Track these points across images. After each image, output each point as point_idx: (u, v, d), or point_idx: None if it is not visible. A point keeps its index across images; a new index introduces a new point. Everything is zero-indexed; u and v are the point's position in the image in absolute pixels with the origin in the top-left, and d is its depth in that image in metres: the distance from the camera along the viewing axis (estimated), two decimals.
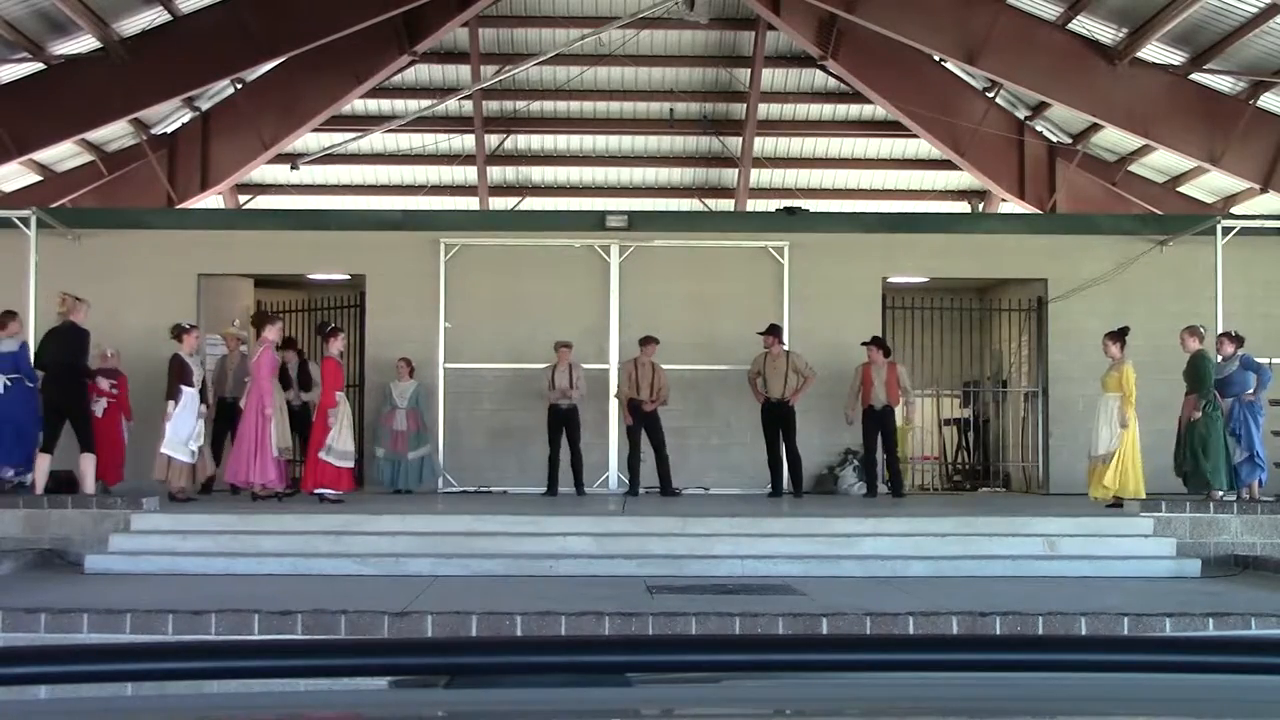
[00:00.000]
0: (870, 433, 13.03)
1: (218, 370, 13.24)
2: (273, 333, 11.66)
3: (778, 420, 12.99)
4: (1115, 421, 11.36)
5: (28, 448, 10.98)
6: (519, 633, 6.85)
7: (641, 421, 13.09)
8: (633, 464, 13.11)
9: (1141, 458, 11.39)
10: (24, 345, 11.17)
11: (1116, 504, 11.18)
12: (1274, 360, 12.74)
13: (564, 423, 13.13)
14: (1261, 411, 11.79)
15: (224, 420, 12.69)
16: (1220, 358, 11.75)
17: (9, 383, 10.86)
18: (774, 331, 13.12)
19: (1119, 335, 11.65)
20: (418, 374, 13.84)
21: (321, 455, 11.46)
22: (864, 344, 13.19)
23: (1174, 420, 11.84)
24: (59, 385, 10.97)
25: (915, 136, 21.06)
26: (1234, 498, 11.28)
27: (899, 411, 13.19)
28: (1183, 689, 1.37)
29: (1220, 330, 12.29)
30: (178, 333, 11.61)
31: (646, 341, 13.20)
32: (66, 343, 11.03)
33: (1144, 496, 11.17)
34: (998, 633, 6.80)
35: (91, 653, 1.26)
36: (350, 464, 11.83)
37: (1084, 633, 6.83)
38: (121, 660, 1.26)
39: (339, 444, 11.53)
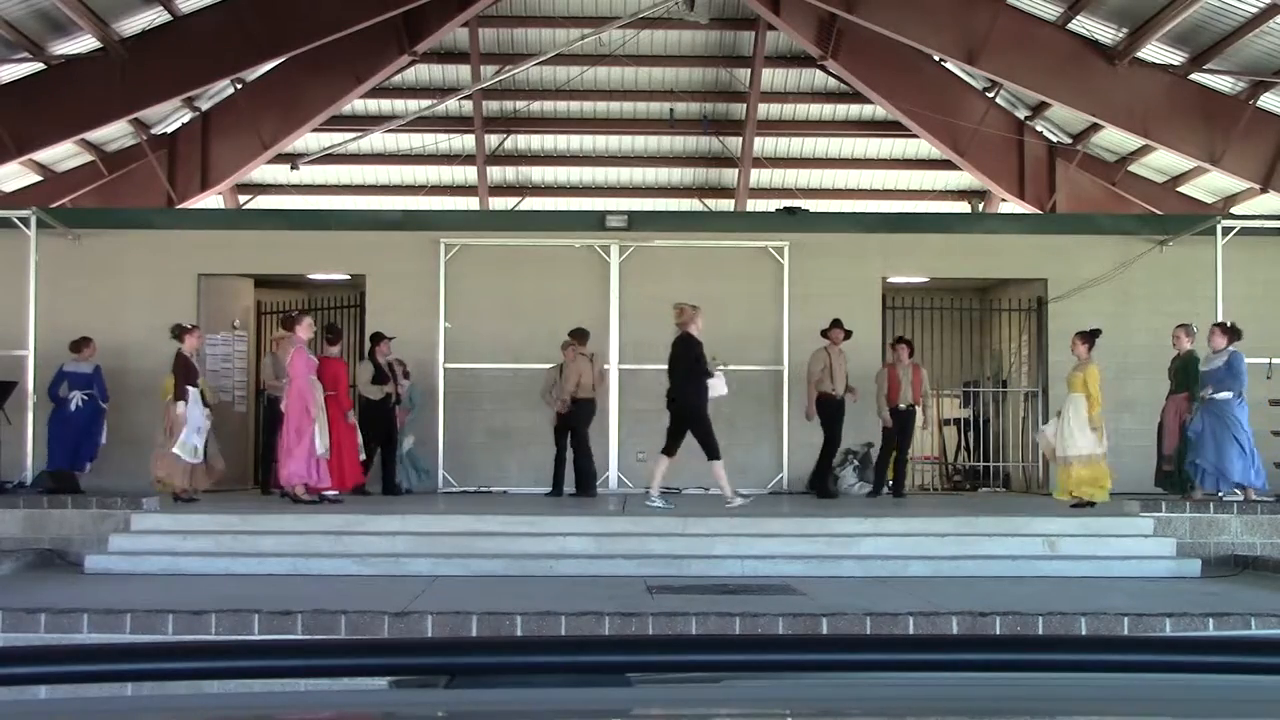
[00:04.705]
0: (891, 432, 13.05)
1: (270, 370, 13.24)
2: (304, 330, 11.52)
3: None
4: (1084, 423, 11.22)
5: (91, 454, 12.78)
6: (519, 633, 6.85)
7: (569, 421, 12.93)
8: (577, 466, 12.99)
9: (1109, 458, 11.35)
10: (98, 368, 12.89)
11: (1084, 504, 11.17)
12: (1275, 360, 12.73)
13: (569, 424, 13.08)
14: (1235, 412, 11.15)
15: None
16: (1211, 349, 11.45)
17: (84, 400, 12.68)
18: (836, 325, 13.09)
19: (1090, 336, 11.55)
20: (418, 374, 13.86)
21: (362, 458, 12.08)
22: (892, 344, 13.26)
23: None
24: (679, 392, 11.17)
25: (915, 136, 21.06)
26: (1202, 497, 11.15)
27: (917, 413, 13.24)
28: (1183, 689, 1.37)
29: (1216, 320, 11.70)
30: (179, 332, 11.58)
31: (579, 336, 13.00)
32: (686, 351, 11.19)
33: (1106, 499, 11.18)
34: (998, 633, 6.80)
35: (91, 653, 1.26)
36: None
37: (1084, 633, 6.83)
38: (121, 660, 1.26)
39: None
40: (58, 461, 12.62)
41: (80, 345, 12.89)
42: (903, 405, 12.97)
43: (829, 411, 12.90)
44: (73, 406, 12.71)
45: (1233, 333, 11.45)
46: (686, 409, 11.07)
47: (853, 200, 23.14)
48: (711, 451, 11.03)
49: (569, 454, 13.00)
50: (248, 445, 14.48)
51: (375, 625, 6.92)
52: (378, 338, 13.30)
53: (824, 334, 13.05)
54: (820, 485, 13.16)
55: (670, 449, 11.15)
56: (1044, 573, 9.37)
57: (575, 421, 12.92)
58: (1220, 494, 11.12)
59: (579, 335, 12.95)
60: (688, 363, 11.11)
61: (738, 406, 14.22)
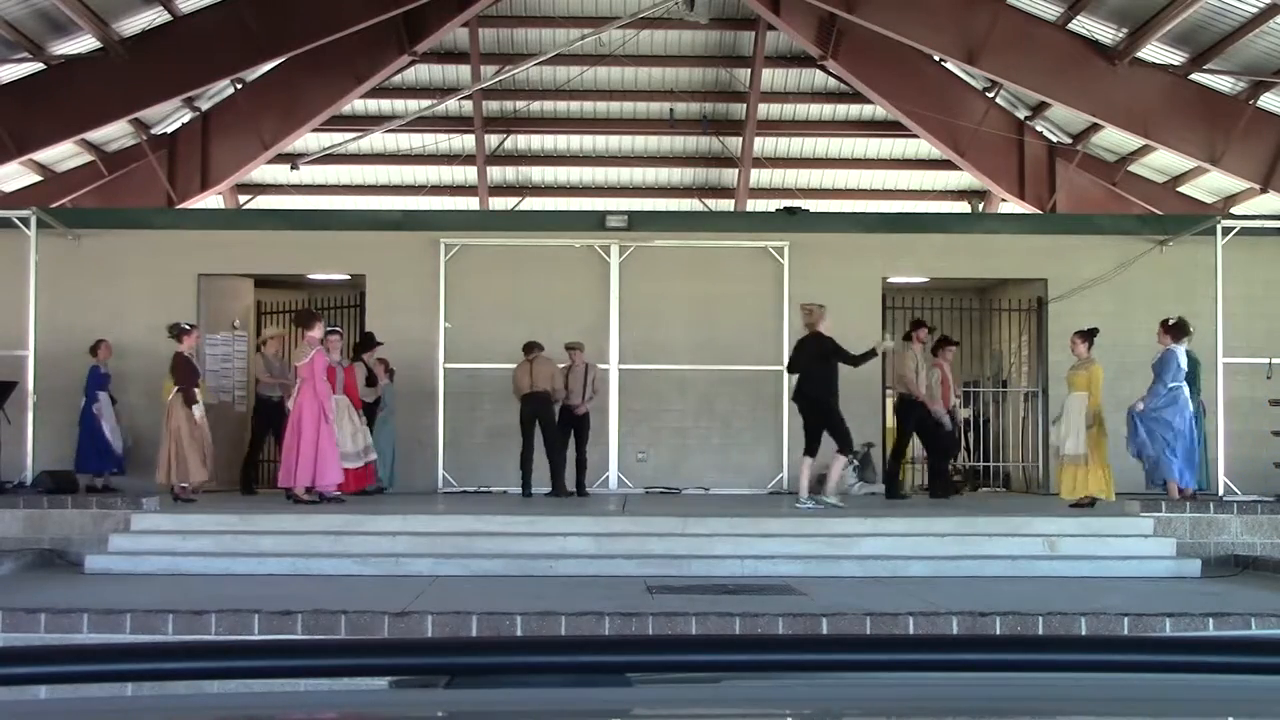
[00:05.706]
0: (949, 433, 13.05)
1: (263, 369, 13.28)
2: (318, 330, 11.47)
3: None
4: (1084, 423, 11.26)
5: (104, 456, 12.93)
6: (519, 633, 6.85)
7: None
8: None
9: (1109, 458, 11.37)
10: (93, 369, 13.05)
11: (1084, 503, 11.17)
12: (1275, 360, 12.73)
13: (573, 425, 13.08)
14: (1163, 414, 11.11)
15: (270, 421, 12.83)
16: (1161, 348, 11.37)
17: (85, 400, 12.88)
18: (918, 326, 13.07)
19: (1088, 335, 11.58)
20: (418, 374, 13.86)
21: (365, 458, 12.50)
22: (938, 343, 13.27)
23: None
24: (809, 391, 11.36)
25: (915, 136, 21.06)
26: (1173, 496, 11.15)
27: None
28: (1183, 689, 1.37)
29: (1162, 318, 11.53)
30: (177, 333, 11.56)
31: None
32: (817, 352, 11.33)
33: (1112, 498, 11.18)
34: (998, 633, 6.80)
35: (91, 653, 1.26)
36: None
37: (1084, 633, 6.83)
38: (121, 660, 1.26)
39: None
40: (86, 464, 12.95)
41: (94, 350, 13.15)
42: (950, 405, 12.98)
43: (918, 414, 12.57)
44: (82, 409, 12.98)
45: (1177, 329, 11.28)
46: (820, 404, 11.26)
47: (853, 200, 23.14)
48: (844, 444, 11.26)
49: (569, 452, 13.02)
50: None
51: (375, 625, 6.92)
52: (368, 340, 13.27)
53: (906, 337, 12.82)
54: (938, 486, 13.01)
55: (811, 450, 11.37)
56: (1044, 573, 9.37)
57: None
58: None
59: (525, 347, 12.86)
60: (820, 360, 11.29)
61: (736, 407, 14.25)
